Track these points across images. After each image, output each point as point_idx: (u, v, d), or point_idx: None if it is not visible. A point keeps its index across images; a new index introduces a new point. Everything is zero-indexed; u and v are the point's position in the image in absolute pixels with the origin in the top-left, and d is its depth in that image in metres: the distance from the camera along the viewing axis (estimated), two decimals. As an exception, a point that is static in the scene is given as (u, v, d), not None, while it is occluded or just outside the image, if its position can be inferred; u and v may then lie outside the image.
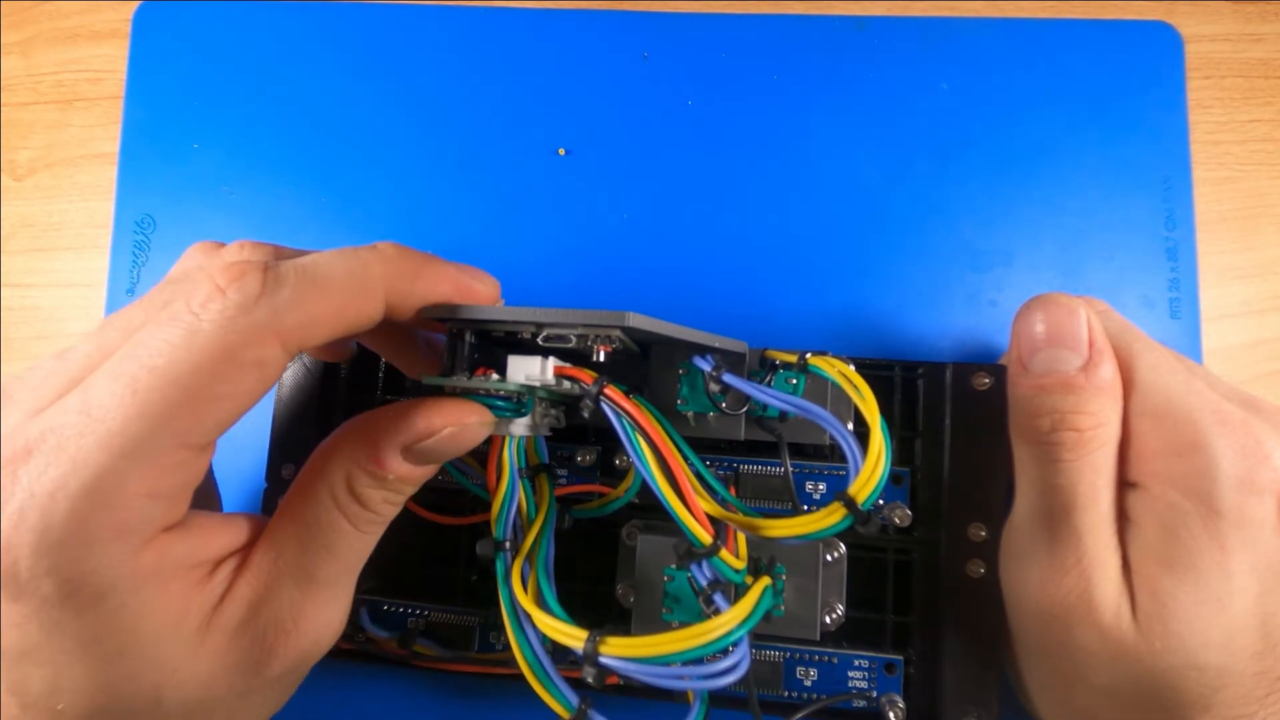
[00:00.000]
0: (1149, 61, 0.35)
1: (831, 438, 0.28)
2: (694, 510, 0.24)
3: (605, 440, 0.31)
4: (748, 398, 0.28)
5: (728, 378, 0.27)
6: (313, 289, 0.22)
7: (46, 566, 0.19)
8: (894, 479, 0.30)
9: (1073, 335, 0.26)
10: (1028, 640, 0.27)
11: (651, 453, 0.24)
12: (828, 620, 0.28)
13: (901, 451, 0.30)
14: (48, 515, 0.19)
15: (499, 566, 0.26)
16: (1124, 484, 0.26)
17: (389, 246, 0.24)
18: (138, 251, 0.39)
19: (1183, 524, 0.24)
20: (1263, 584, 0.23)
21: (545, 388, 0.25)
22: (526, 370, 0.25)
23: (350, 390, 0.33)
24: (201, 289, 0.21)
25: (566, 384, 0.25)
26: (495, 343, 0.27)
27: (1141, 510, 0.25)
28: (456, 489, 0.32)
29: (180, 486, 0.21)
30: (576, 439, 0.32)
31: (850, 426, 0.26)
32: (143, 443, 0.20)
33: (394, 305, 0.24)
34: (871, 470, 0.23)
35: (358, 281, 0.23)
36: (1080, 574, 0.24)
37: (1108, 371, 0.25)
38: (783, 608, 0.28)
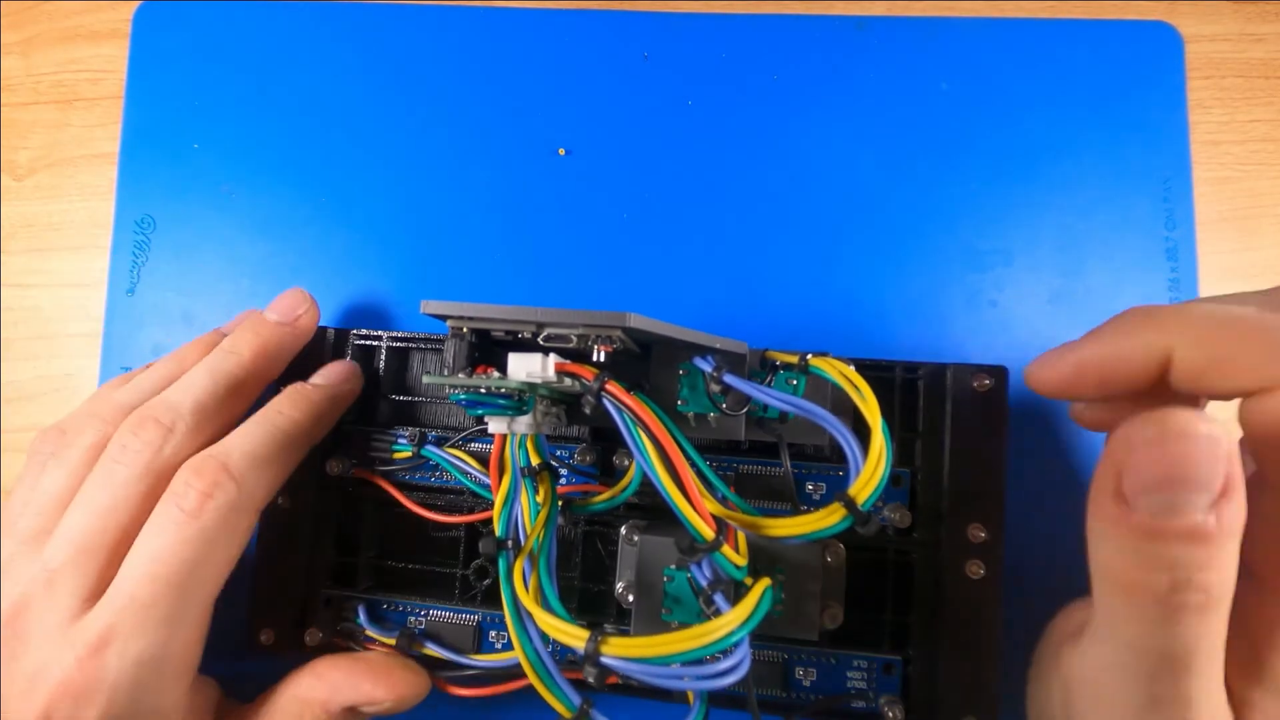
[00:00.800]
0: (1149, 61, 0.35)
1: (832, 438, 0.28)
2: (696, 504, 0.24)
3: (604, 440, 0.31)
4: (748, 398, 0.28)
5: (728, 378, 0.27)
6: (267, 468, 0.29)
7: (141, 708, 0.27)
8: (894, 480, 0.30)
9: (1208, 474, 0.18)
10: None
11: (654, 447, 0.24)
12: (827, 621, 0.28)
13: (901, 452, 0.30)
14: (138, 676, 0.26)
15: (501, 565, 0.26)
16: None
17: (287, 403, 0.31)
18: (138, 251, 0.39)
19: None
20: None
21: (546, 385, 0.25)
22: (528, 367, 0.25)
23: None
24: (190, 495, 0.27)
25: (568, 381, 0.25)
26: (495, 342, 0.27)
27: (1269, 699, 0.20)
28: (456, 487, 0.32)
29: (203, 637, 0.29)
30: (576, 439, 0.32)
31: (851, 427, 0.26)
32: (180, 615, 0.27)
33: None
34: (872, 471, 0.23)
35: (290, 448, 0.30)
36: None
37: (1239, 510, 0.18)
38: (782, 608, 0.28)
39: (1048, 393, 0.24)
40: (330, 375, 0.33)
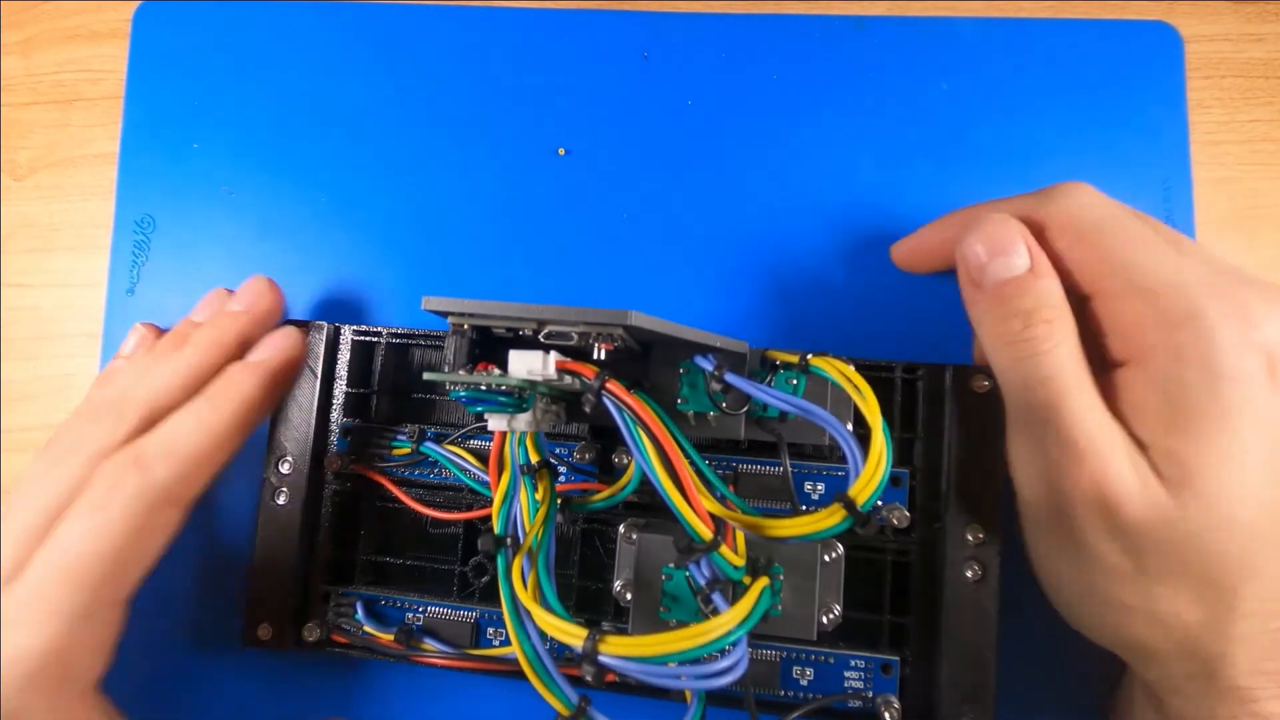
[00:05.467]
0: (1149, 61, 0.35)
1: (831, 438, 0.28)
2: (695, 505, 0.24)
3: (604, 438, 0.31)
4: (748, 397, 0.28)
5: (729, 377, 0.27)
6: (188, 460, 0.29)
7: (15, 706, 0.25)
8: (893, 480, 0.30)
9: (1011, 242, 0.27)
10: (1043, 538, 0.27)
11: (653, 447, 0.24)
12: (825, 621, 0.28)
13: (901, 453, 0.30)
14: (17, 671, 0.25)
15: (500, 563, 0.26)
16: (1110, 364, 0.26)
17: (221, 397, 0.30)
18: (138, 251, 0.39)
19: (1188, 391, 0.24)
20: (1268, 438, 0.24)
21: (547, 382, 0.25)
22: (528, 365, 0.25)
23: (350, 385, 0.33)
24: (97, 488, 0.27)
25: (568, 378, 0.25)
26: (496, 340, 0.27)
27: (1139, 385, 0.25)
28: (455, 484, 0.32)
29: (110, 641, 0.28)
30: (575, 436, 0.32)
31: (850, 427, 0.26)
32: (81, 610, 0.26)
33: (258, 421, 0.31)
34: (872, 472, 0.23)
35: (216, 440, 0.29)
36: (1094, 456, 0.24)
37: (1048, 265, 0.27)
38: (780, 607, 0.28)
39: (903, 265, 0.34)
40: (268, 349, 0.33)
